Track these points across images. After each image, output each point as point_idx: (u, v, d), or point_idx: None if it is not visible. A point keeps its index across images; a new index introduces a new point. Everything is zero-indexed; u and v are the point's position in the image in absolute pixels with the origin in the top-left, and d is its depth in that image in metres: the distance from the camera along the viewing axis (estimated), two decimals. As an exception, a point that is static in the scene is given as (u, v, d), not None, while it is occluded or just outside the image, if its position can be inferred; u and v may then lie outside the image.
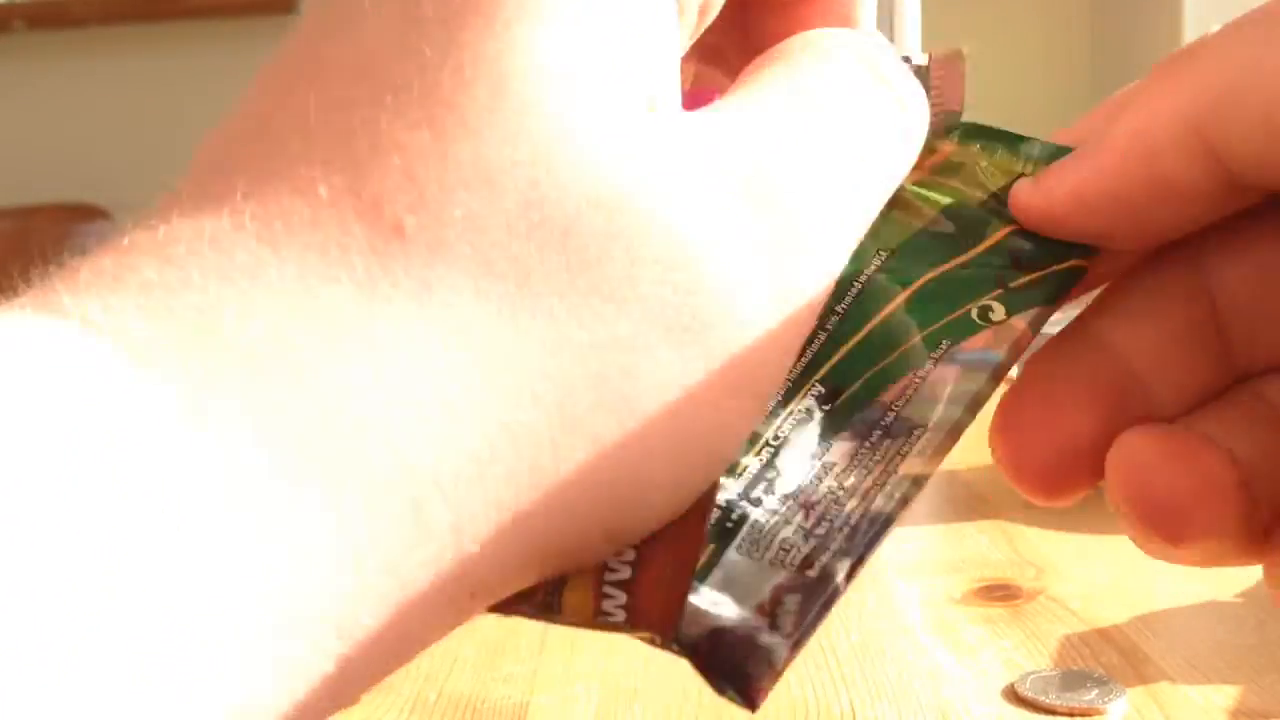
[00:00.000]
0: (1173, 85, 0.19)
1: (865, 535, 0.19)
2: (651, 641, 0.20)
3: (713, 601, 0.19)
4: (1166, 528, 0.20)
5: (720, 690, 0.19)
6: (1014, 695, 0.42)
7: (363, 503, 0.15)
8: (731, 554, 0.19)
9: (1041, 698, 0.41)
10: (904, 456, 0.20)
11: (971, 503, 0.64)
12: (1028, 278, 0.21)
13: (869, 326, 0.21)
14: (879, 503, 0.19)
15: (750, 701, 0.19)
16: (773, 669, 0.19)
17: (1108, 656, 0.44)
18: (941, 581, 0.53)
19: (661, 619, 0.19)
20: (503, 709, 0.44)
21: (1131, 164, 0.20)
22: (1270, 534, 0.20)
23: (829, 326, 0.21)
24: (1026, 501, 0.21)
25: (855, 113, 0.20)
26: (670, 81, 0.19)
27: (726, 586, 0.19)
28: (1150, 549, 0.20)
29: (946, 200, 0.22)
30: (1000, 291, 0.21)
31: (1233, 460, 0.20)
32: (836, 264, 0.20)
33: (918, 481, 0.20)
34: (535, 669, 0.47)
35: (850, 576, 0.19)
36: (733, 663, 0.19)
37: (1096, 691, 0.41)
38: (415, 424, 0.16)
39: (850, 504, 0.19)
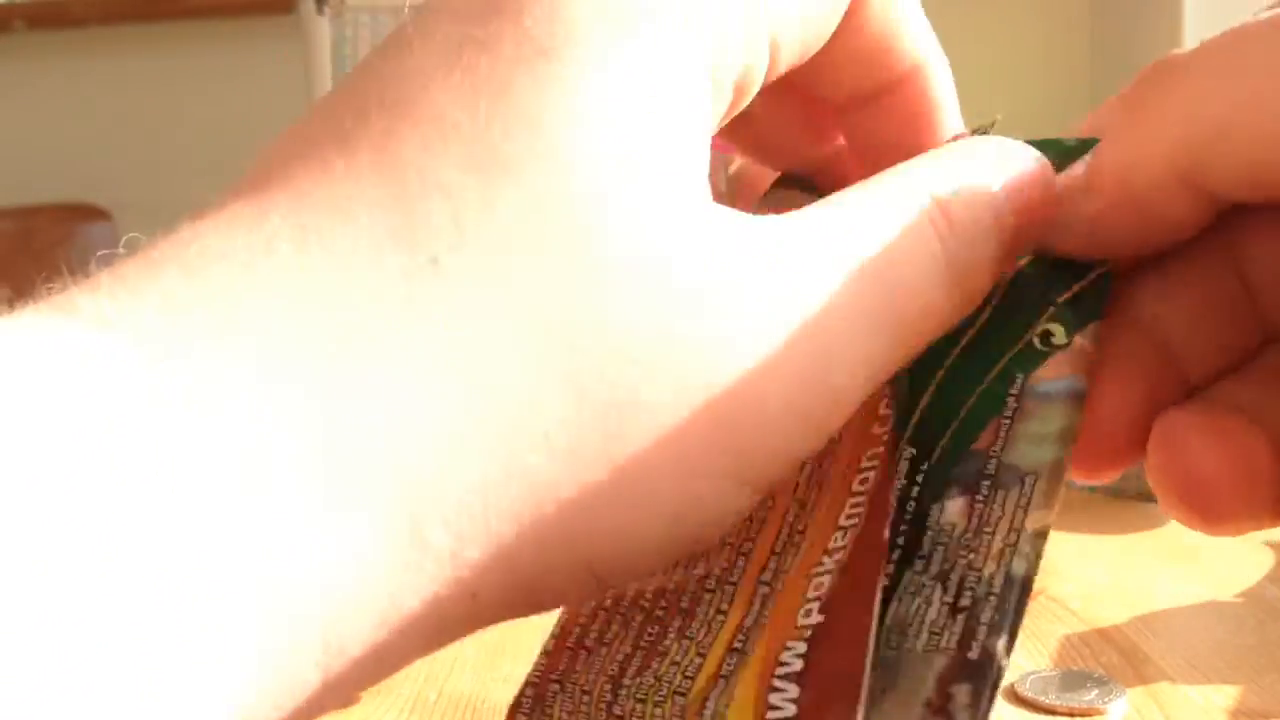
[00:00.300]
0: (1155, 125, 0.19)
1: (1012, 603, 0.18)
2: None
3: (880, 714, 0.18)
4: (1207, 509, 0.20)
5: None
6: (1014, 695, 0.42)
7: (365, 510, 0.15)
8: (880, 651, 0.18)
9: (1041, 698, 0.41)
10: (1026, 510, 0.19)
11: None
12: (1071, 292, 0.21)
13: (935, 381, 0.21)
14: (1016, 565, 0.18)
15: None
16: None
17: (1108, 656, 0.44)
18: (941, 581, 0.53)
19: (844, 705, 0.17)
20: (503, 709, 0.43)
21: (1122, 210, 0.20)
22: None
23: (897, 394, 0.20)
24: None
25: (900, 261, 0.19)
26: (701, 157, 0.19)
27: (889, 690, 0.18)
28: (1188, 524, 0.20)
29: None
30: (1052, 310, 0.21)
31: (1269, 437, 0.20)
32: (856, 395, 0.19)
33: (1042, 535, 0.19)
34: (535, 669, 0.47)
35: (1009, 650, 0.18)
36: None
37: (1096, 691, 0.41)
38: (422, 447, 0.16)
39: (988, 569, 0.19)
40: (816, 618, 0.18)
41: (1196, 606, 0.49)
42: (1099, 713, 0.40)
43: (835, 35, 0.21)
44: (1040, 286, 0.21)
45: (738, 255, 0.18)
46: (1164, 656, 0.44)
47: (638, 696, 0.19)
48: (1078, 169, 0.21)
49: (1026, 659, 0.44)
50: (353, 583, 0.15)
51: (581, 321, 0.17)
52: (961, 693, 0.17)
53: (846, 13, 0.21)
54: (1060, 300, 0.21)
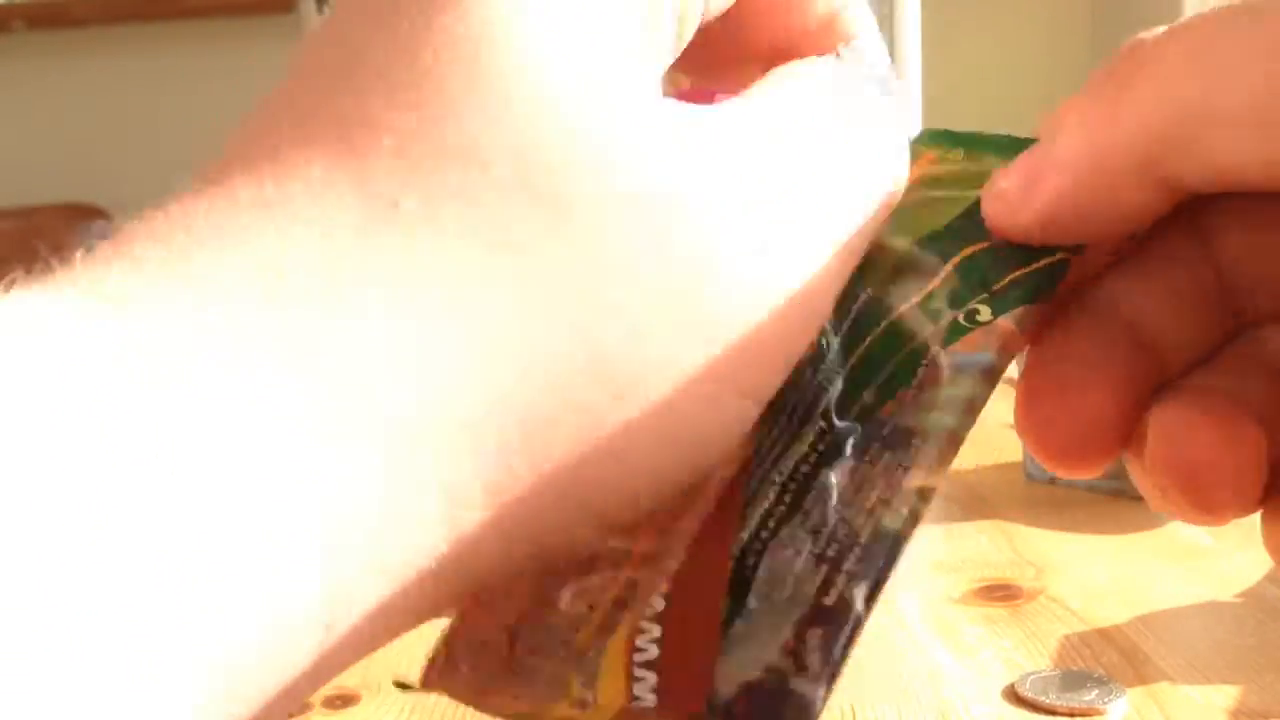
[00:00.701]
0: (1123, 113, 0.19)
1: (878, 556, 0.19)
2: (694, 714, 0.18)
3: (739, 659, 0.18)
4: (1207, 500, 0.20)
5: None
6: (1014, 695, 0.42)
7: (357, 456, 0.15)
8: (751, 602, 0.19)
9: (1041, 698, 0.41)
10: (906, 469, 0.19)
11: (971, 503, 0.64)
12: (1010, 278, 0.21)
13: (860, 351, 0.21)
14: (888, 520, 0.19)
15: None
16: (812, 712, 0.18)
17: (1108, 656, 0.44)
18: (941, 581, 0.53)
19: (692, 692, 0.18)
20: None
21: (1089, 194, 0.20)
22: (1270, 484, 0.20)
23: (824, 361, 0.21)
24: (1026, 501, 0.22)
25: (861, 125, 0.20)
26: (653, 73, 0.19)
27: (751, 636, 0.18)
28: (1181, 516, 0.20)
29: (926, 231, 0.22)
30: (985, 295, 0.21)
31: (1256, 420, 0.20)
32: (837, 276, 0.20)
33: (924, 495, 0.19)
34: (535, 669, 0.47)
35: (870, 600, 0.18)
36: (771, 717, 0.18)
37: (1096, 691, 0.41)
38: (407, 389, 0.16)
39: (859, 522, 0.19)
40: (674, 562, 0.19)
41: (1196, 606, 0.49)
42: (1099, 713, 0.40)
43: None
44: (982, 272, 0.21)
45: (706, 151, 0.18)
46: (1164, 656, 0.44)
47: (531, 650, 0.20)
48: (1037, 154, 0.21)
49: (1026, 659, 0.44)
50: (352, 533, 0.15)
51: (555, 250, 0.16)
52: (814, 636, 0.18)
53: None
54: (996, 287, 0.21)
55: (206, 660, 0.14)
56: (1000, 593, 0.51)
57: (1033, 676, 0.42)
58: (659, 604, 0.19)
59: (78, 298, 0.15)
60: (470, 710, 0.47)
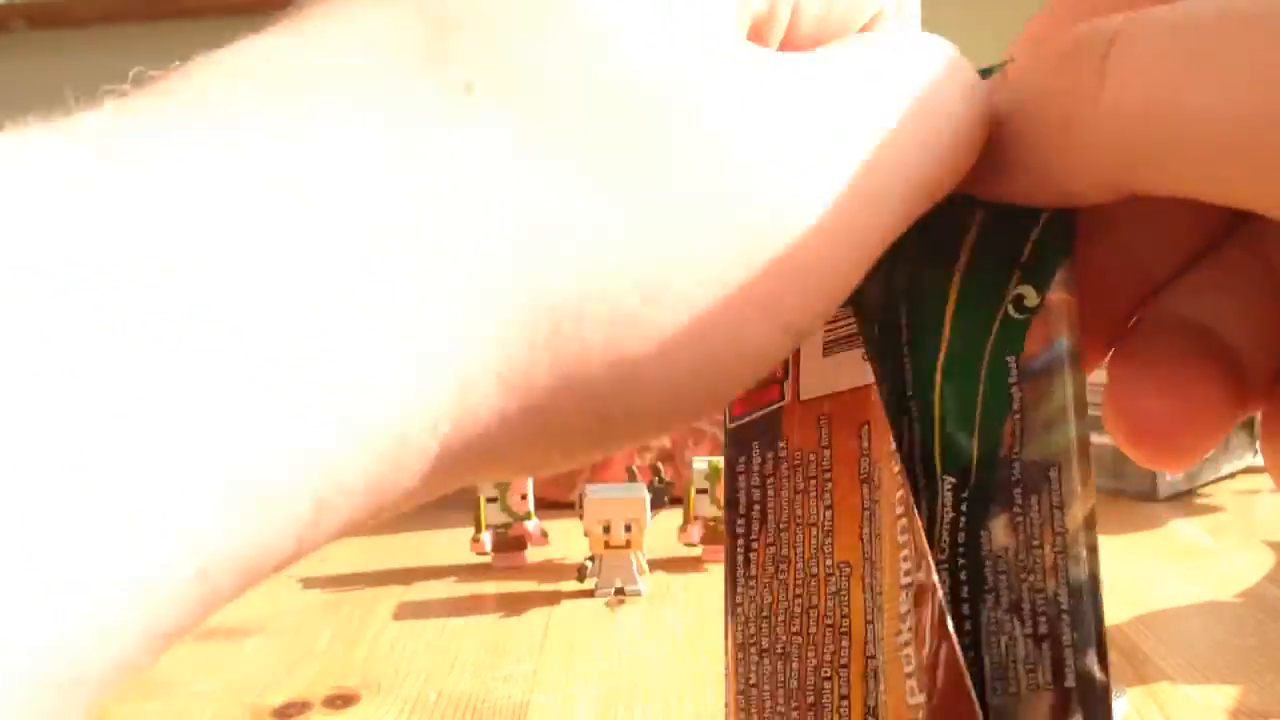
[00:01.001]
0: (1089, 141, 0.18)
1: (1087, 613, 0.18)
2: None
3: None
4: (1158, 450, 0.19)
5: None
6: (1014, 695, 0.42)
7: (367, 304, 0.15)
8: (992, 699, 0.18)
9: (1041, 698, 0.41)
10: (1061, 507, 0.19)
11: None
12: (1031, 242, 0.20)
13: (936, 397, 0.20)
14: (1074, 571, 0.18)
15: None
16: None
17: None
18: (941, 581, 0.53)
19: None
20: (503, 709, 0.44)
21: (1054, 196, 0.19)
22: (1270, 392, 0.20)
23: (912, 425, 0.20)
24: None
25: (928, 84, 0.20)
26: (730, 11, 0.19)
27: None
28: (1139, 461, 0.20)
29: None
30: (1019, 274, 0.20)
31: (1220, 354, 0.19)
32: (890, 225, 0.19)
33: (1089, 523, 0.18)
34: (535, 669, 0.47)
35: (1104, 664, 0.18)
36: None
37: (1096, 691, 0.41)
38: (427, 254, 0.15)
39: (1050, 586, 0.18)
40: (919, 698, 0.18)
41: (1196, 606, 0.49)
42: (1099, 713, 0.40)
43: None
44: (999, 249, 0.20)
45: (778, 93, 0.18)
46: (1164, 656, 0.44)
47: None
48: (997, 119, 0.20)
49: (1026, 659, 0.44)
50: (351, 396, 0.15)
51: (603, 138, 0.16)
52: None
53: None
54: (1023, 258, 0.20)
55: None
56: (1000, 593, 0.51)
57: (1033, 676, 0.42)
58: None
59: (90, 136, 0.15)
60: (474, 708, 0.47)
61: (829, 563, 0.21)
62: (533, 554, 0.60)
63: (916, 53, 0.20)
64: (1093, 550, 0.18)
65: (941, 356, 0.20)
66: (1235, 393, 0.20)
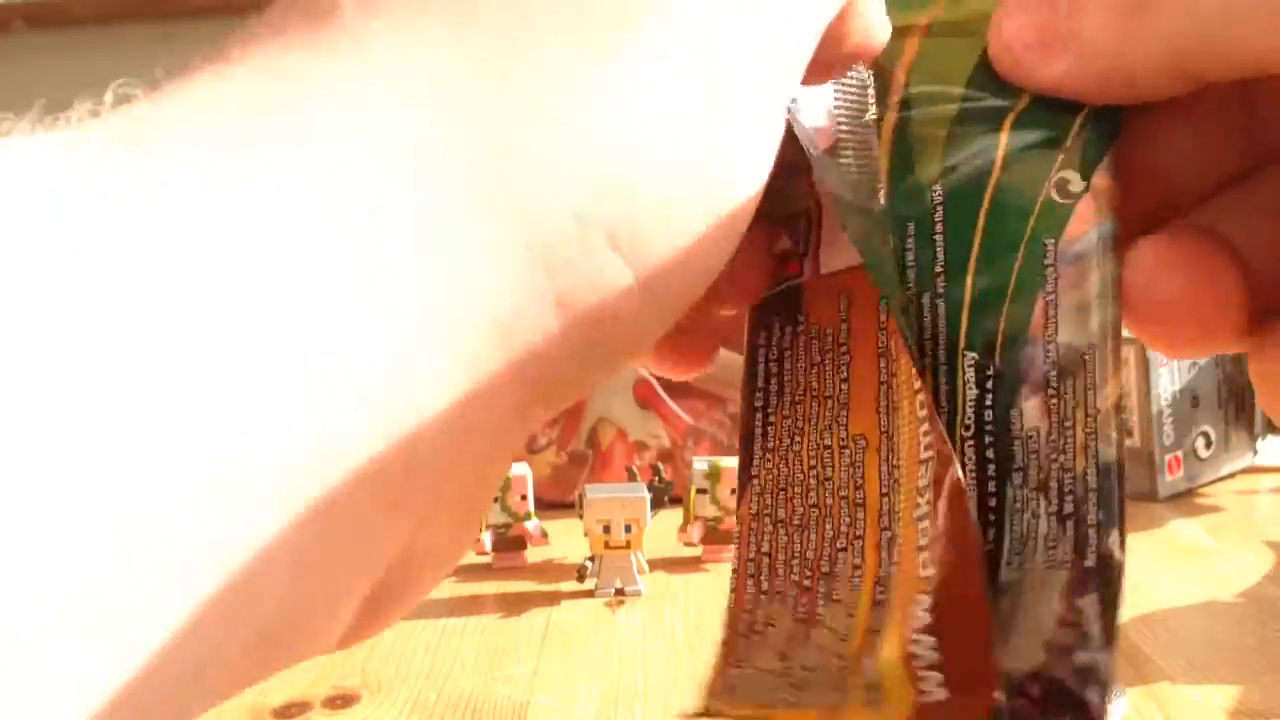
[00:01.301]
0: (1153, 18, 0.18)
1: (1112, 493, 0.18)
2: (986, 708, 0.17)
3: (1018, 642, 0.17)
4: (1172, 334, 0.20)
5: None
6: (1014, 695, 0.41)
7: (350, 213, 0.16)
8: (1004, 575, 0.18)
9: (1041, 698, 0.41)
10: (1094, 388, 0.19)
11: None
12: (1077, 127, 0.20)
13: (969, 277, 0.20)
14: (1104, 451, 0.19)
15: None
16: (1105, 685, 0.17)
17: (1108, 656, 0.44)
18: (941, 581, 0.53)
19: (983, 682, 0.17)
20: (503, 709, 0.44)
21: (1109, 77, 0.19)
22: (1265, 321, 0.20)
23: (938, 303, 0.20)
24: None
25: None
26: None
27: (1021, 615, 0.18)
28: (1154, 347, 0.20)
29: (952, 110, 0.21)
30: (1062, 157, 0.20)
31: (1236, 262, 0.19)
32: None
33: (1119, 407, 0.19)
34: (535, 669, 0.47)
35: (1124, 542, 0.18)
36: (1064, 697, 0.17)
37: (1096, 691, 0.41)
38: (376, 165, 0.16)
39: (1079, 465, 0.19)
40: (931, 570, 0.18)
41: (1196, 606, 0.49)
42: (1099, 713, 0.40)
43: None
44: (1043, 134, 0.20)
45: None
46: (1164, 656, 0.44)
47: (805, 666, 0.20)
48: (1052, 13, 0.20)
49: (1026, 659, 0.44)
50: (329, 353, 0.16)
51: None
52: (1089, 604, 0.18)
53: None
54: (1067, 143, 0.20)
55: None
56: (1000, 593, 0.51)
57: (1033, 676, 0.42)
58: (924, 617, 0.18)
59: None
60: (474, 708, 0.47)
61: (844, 435, 0.21)
62: (533, 554, 0.60)
63: None
64: (1120, 433, 0.18)
65: (978, 238, 0.20)
66: (1243, 292, 0.20)
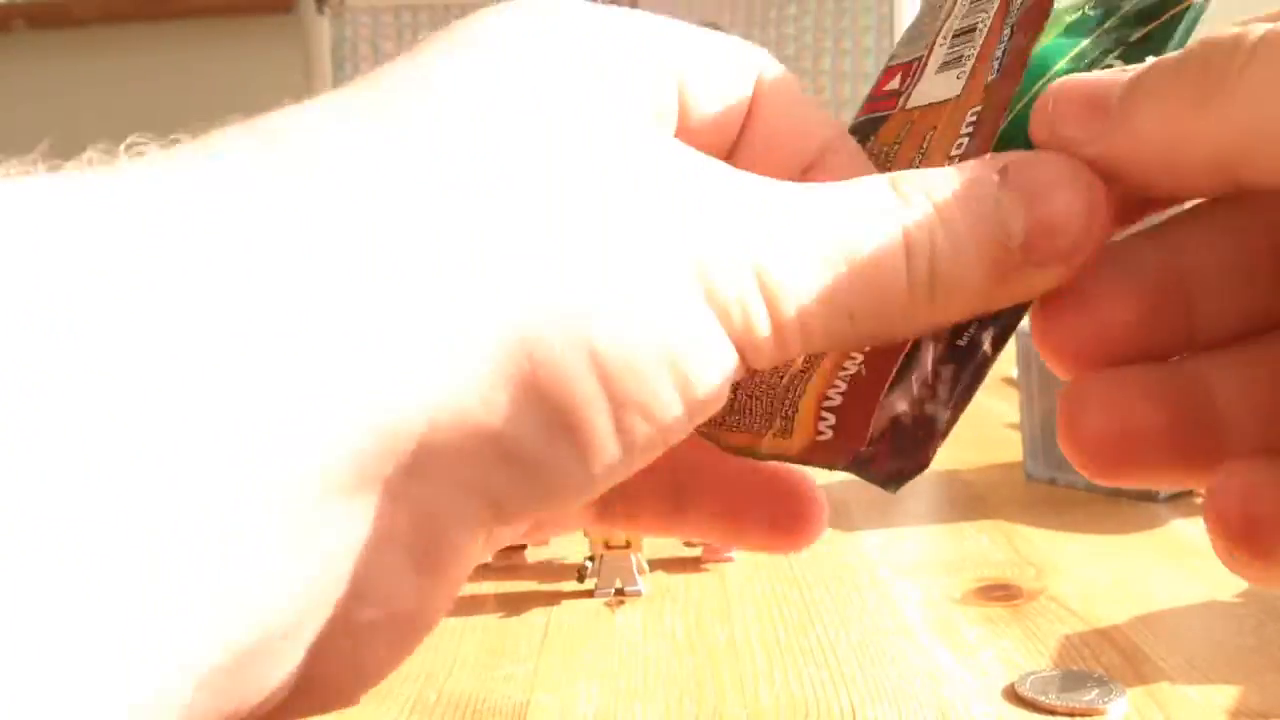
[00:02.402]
0: (1208, 121, 0.19)
1: (1006, 311, 0.21)
2: (832, 466, 0.22)
3: (891, 401, 0.21)
4: (1093, 467, 0.21)
5: (888, 479, 0.21)
6: (1014, 695, 0.42)
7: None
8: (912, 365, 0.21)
9: (1041, 698, 0.41)
10: None
11: (971, 503, 0.64)
12: (1143, 31, 0.22)
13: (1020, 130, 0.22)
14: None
15: (920, 464, 0.21)
16: (936, 431, 0.21)
17: (1108, 656, 0.44)
18: (941, 581, 0.53)
19: (858, 433, 0.21)
20: (503, 709, 0.44)
21: (1152, 169, 0.20)
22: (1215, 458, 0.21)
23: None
24: (1026, 501, 0.22)
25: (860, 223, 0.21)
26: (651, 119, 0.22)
27: (899, 380, 0.21)
28: (1082, 472, 0.22)
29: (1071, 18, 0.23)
30: (1122, 49, 0.22)
31: (1171, 415, 0.21)
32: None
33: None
34: (535, 669, 0.47)
35: (996, 345, 0.21)
36: (906, 438, 0.21)
37: (1096, 691, 0.41)
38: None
39: None
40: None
41: (1196, 606, 0.49)
42: (1099, 713, 0.40)
43: (747, 123, 0.24)
44: (1125, 27, 0.22)
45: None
46: (1164, 656, 0.44)
47: (749, 394, 0.24)
48: (1106, 101, 0.20)
49: (1026, 659, 0.44)
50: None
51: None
52: (946, 370, 0.21)
53: (751, 102, 0.24)
54: (1133, 41, 0.22)
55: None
56: (1000, 593, 0.51)
57: (1033, 676, 0.42)
58: (853, 368, 0.22)
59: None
60: (474, 708, 0.47)
61: None
62: (533, 554, 0.60)
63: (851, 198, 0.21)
64: None
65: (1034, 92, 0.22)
66: (1173, 324, 0.21)
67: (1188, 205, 0.22)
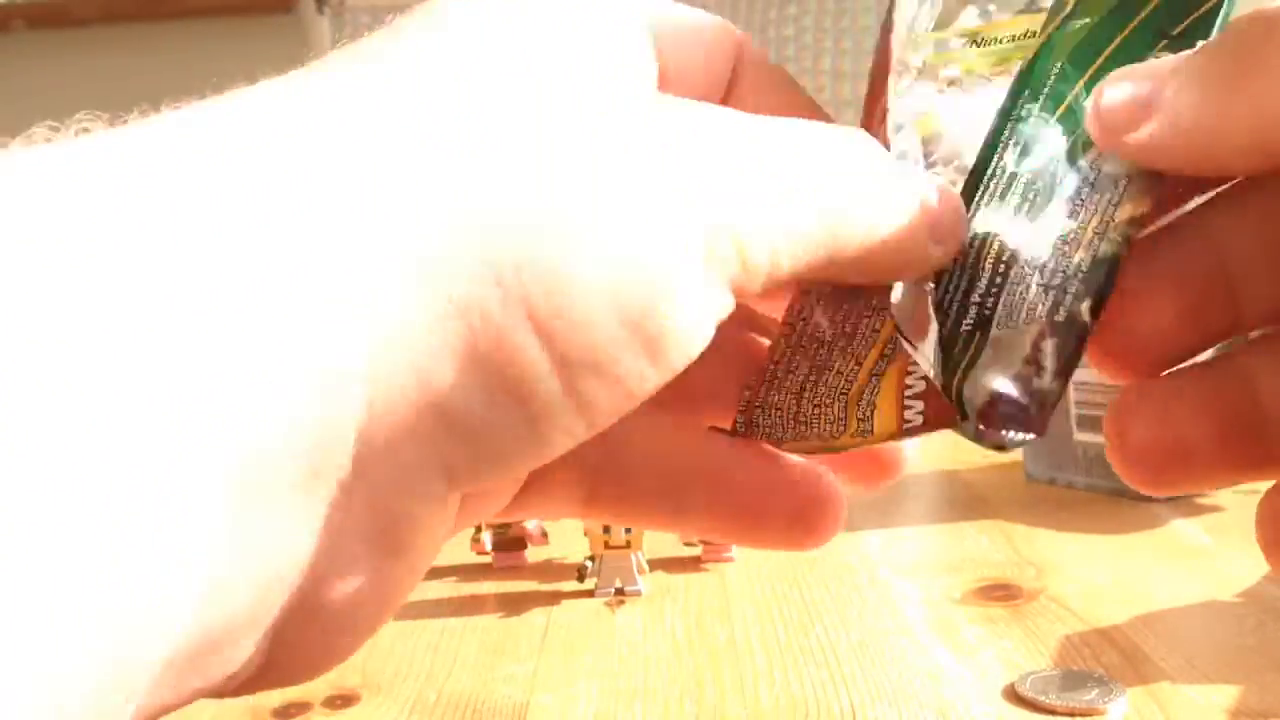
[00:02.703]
0: (1242, 97, 0.19)
1: (1098, 274, 0.21)
2: (951, 425, 0.22)
3: (987, 375, 0.22)
4: (1142, 479, 0.22)
5: (1001, 442, 0.21)
6: (1014, 695, 0.42)
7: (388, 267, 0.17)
8: (994, 332, 0.22)
9: (1041, 698, 0.41)
10: (1117, 205, 0.22)
11: (971, 503, 0.64)
12: (1185, 24, 0.22)
13: (1059, 111, 0.23)
14: (1104, 248, 0.22)
15: (1038, 433, 0.21)
16: (1048, 403, 0.21)
17: (1108, 656, 0.44)
18: (941, 581, 0.53)
19: (950, 410, 0.22)
20: (503, 709, 0.44)
21: (1194, 151, 0.20)
22: None
23: (1021, 124, 0.23)
24: (1026, 501, 0.22)
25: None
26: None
27: (996, 357, 0.22)
28: (1128, 480, 0.22)
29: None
30: (1165, 43, 0.22)
31: (1213, 424, 0.21)
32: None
33: (1135, 221, 0.22)
34: (535, 669, 0.47)
35: (1095, 312, 0.21)
36: (1016, 410, 0.21)
37: (1096, 691, 0.41)
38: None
39: (1078, 255, 0.22)
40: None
41: (1196, 606, 0.49)
42: (1099, 713, 0.40)
43: (731, 85, 0.24)
44: (1162, 19, 0.22)
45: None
46: (1164, 656, 0.44)
47: (814, 403, 0.24)
48: (1147, 84, 0.21)
49: (1026, 659, 0.44)
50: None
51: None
52: (1050, 346, 0.21)
53: (732, 78, 0.24)
54: (1175, 33, 0.22)
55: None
56: (1000, 593, 0.51)
57: (1033, 676, 0.42)
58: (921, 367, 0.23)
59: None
60: (474, 708, 0.47)
61: None
62: (533, 554, 0.60)
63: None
64: (1127, 241, 0.22)
65: (1075, 89, 0.23)
66: (1215, 315, 0.22)
67: (1221, 189, 0.22)
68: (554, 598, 0.54)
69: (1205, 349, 0.22)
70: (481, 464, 0.18)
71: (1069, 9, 0.24)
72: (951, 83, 0.25)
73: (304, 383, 0.16)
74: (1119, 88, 0.21)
